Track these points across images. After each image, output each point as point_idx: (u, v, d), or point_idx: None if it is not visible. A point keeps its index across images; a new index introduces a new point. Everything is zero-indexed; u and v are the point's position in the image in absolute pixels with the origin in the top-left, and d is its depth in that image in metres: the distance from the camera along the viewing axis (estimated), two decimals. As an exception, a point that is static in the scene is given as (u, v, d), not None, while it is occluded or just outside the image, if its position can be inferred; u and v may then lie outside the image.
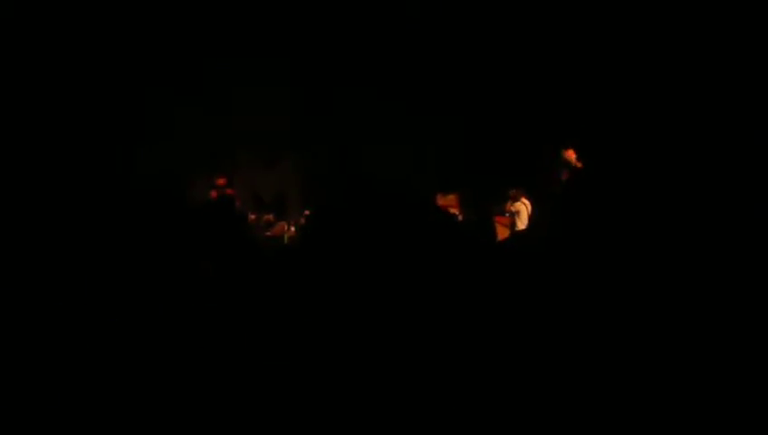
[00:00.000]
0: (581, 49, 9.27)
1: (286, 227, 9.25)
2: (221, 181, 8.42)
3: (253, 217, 9.07)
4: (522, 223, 9.31)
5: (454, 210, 10.46)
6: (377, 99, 10.67)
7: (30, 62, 7.41)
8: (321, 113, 10.57)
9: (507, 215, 9.70)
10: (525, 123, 10.58)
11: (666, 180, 7.75)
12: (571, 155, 8.57)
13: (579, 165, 8.43)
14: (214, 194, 8.26)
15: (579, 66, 9.53)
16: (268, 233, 9.04)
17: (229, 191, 8.26)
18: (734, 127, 7.71)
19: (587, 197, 8.03)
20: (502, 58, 10.21)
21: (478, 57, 10.23)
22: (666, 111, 8.57)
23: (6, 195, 6.76)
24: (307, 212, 9.41)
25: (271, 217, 9.37)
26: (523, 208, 9.38)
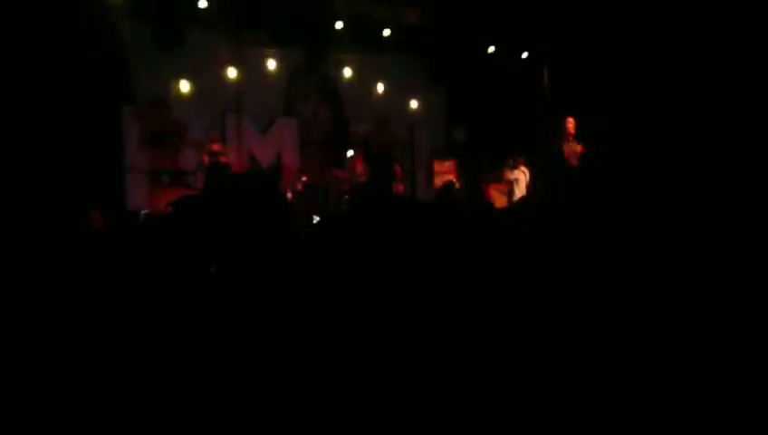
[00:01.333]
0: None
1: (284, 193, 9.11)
2: (215, 147, 8.23)
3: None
4: (520, 191, 9.24)
5: (451, 177, 10.39)
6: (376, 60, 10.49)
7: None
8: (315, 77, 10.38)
9: (505, 182, 9.62)
10: (526, 92, 10.45)
11: (668, 161, 7.70)
12: (570, 124, 8.48)
13: (573, 133, 8.39)
14: (206, 159, 8.10)
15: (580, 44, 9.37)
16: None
17: (223, 159, 8.10)
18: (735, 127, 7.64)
19: (588, 169, 7.97)
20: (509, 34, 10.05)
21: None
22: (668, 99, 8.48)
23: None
24: (304, 178, 9.30)
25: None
26: (522, 176, 9.29)
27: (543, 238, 3.77)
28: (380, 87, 10.71)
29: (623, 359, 2.02)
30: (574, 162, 8.35)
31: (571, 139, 8.41)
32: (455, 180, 9.80)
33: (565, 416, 1.82)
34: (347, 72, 10.40)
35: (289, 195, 9.07)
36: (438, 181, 10.37)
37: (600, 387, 1.92)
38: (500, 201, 9.63)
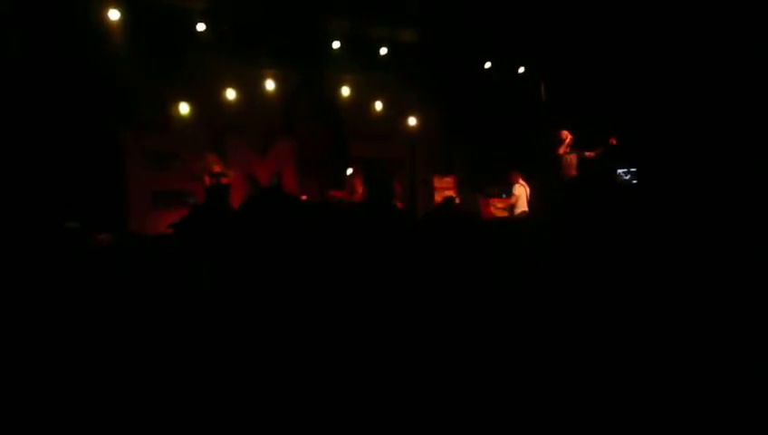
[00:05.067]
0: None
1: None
2: (217, 168, 8.22)
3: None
4: (521, 205, 9.22)
5: (450, 193, 10.40)
6: (373, 79, 10.54)
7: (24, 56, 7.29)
8: (313, 97, 10.42)
9: (504, 197, 9.62)
10: (523, 106, 10.51)
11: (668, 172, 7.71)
12: (566, 135, 8.53)
13: (569, 142, 8.42)
14: (207, 180, 8.10)
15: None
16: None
17: (225, 180, 8.11)
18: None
19: (590, 182, 7.99)
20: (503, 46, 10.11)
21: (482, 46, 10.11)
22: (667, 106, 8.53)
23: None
24: (304, 198, 9.30)
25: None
26: (522, 191, 9.28)
27: (545, 246, 3.77)
28: (378, 105, 10.77)
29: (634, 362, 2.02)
30: (572, 172, 8.38)
31: (568, 150, 8.46)
32: (454, 196, 9.81)
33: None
34: (345, 91, 10.46)
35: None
36: (438, 197, 10.38)
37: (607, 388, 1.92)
38: (501, 215, 9.62)
